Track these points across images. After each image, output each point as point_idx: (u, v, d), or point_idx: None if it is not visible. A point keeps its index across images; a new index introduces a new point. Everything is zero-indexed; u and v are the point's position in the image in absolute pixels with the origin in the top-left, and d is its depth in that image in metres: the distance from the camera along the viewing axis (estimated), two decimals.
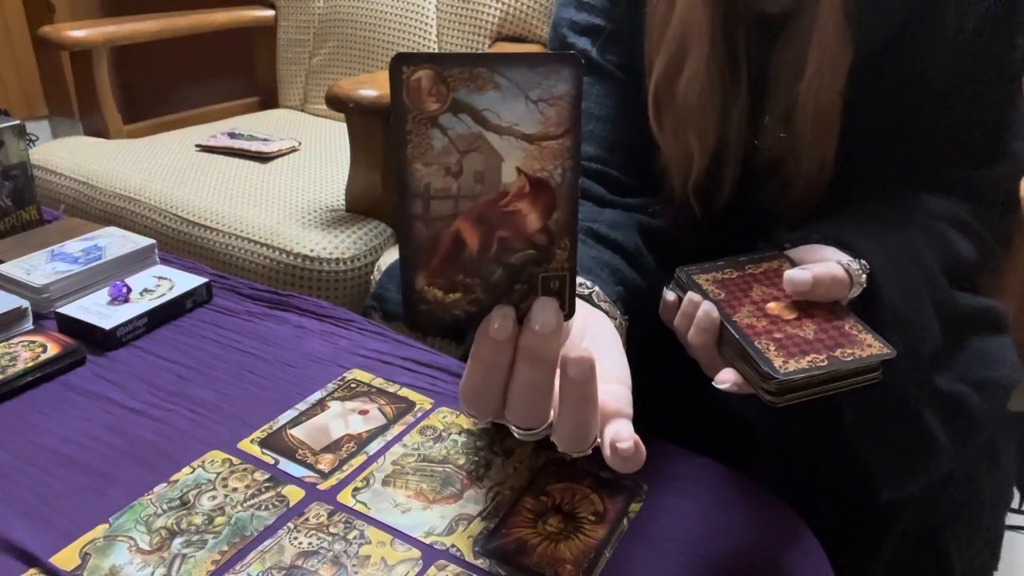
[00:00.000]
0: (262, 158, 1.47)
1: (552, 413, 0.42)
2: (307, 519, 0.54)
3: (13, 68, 2.49)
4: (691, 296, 0.55)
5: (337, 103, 1.19)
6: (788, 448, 0.64)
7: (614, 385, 0.43)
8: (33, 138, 2.46)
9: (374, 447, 0.61)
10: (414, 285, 0.38)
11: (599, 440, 0.42)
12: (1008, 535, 0.78)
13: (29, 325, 0.77)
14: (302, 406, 0.66)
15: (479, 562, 0.50)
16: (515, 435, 0.43)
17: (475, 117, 0.36)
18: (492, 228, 0.38)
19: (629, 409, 0.43)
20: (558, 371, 0.40)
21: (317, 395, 0.67)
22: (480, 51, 1.54)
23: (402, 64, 0.35)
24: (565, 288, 0.39)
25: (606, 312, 0.53)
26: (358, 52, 1.73)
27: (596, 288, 0.54)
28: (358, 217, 1.25)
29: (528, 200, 0.37)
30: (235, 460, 0.60)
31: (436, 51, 1.62)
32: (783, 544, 0.53)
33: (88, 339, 0.74)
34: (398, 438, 0.62)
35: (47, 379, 0.70)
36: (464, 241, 0.38)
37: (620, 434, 0.40)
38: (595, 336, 0.47)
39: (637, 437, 0.40)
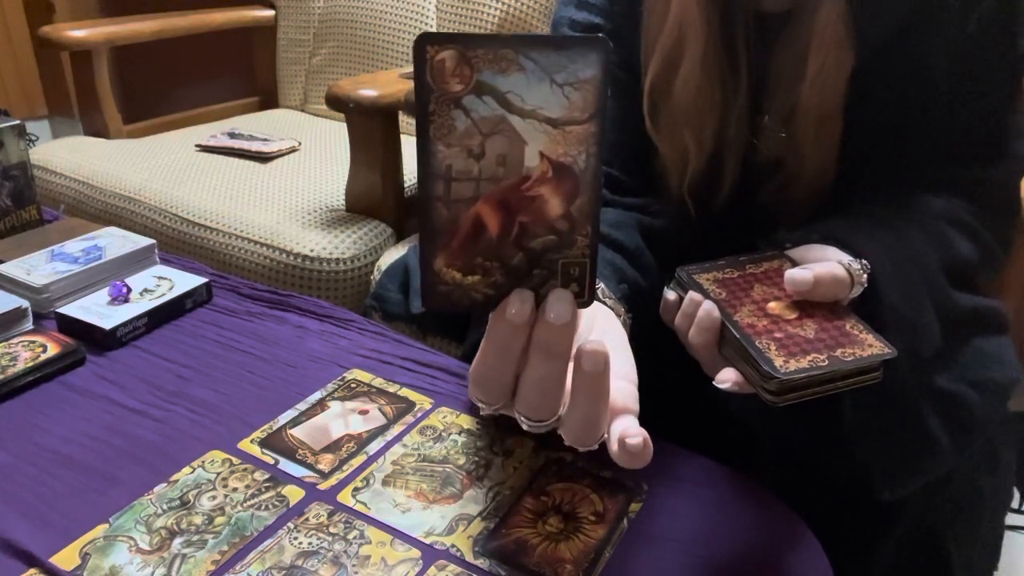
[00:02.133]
0: (262, 158, 1.47)
1: (561, 408, 0.42)
2: (307, 519, 0.54)
3: (13, 68, 2.49)
4: (692, 295, 0.55)
5: (337, 103, 1.18)
6: (788, 448, 0.64)
7: (621, 382, 0.43)
8: (33, 138, 2.46)
9: (374, 447, 0.61)
10: (432, 266, 0.38)
11: (606, 436, 0.41)
12: (1008, 535, 0.78)
13: (29, 325, 0.77)
14: (302, 406, 0.66)
15: (479, 562, 0.50)
16: (523, 427, 0.43)
17: (499, 99, 0.35)
18: (513, 212, 0.37)
19: (636, 406, 0.42)
20: (571, 363, 0.40)
21: (317, 395, 0.67)
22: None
23: (426, 44, 0.34)
24: (585, 275, 0.39)
25: (611, 309, 0.53)
26: (358, 52, 1.73)
27: (601, 285, 0.54)
28: (358, 217, 1.25)
29: (551, 185, 0.37)
30: (235, 460, 0.60)
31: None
32: (783, 544, 0.53)
33: (88, 339, 0.74)
34: (398, 438, 0.62)
35: (47, 379, 0.70)
36: (484, 224, 0.37)
37: (629, 430, 0.40)
38: (603, 331, 0.47)
39: (645, 433, 0.40)
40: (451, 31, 1.60)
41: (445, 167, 0.36)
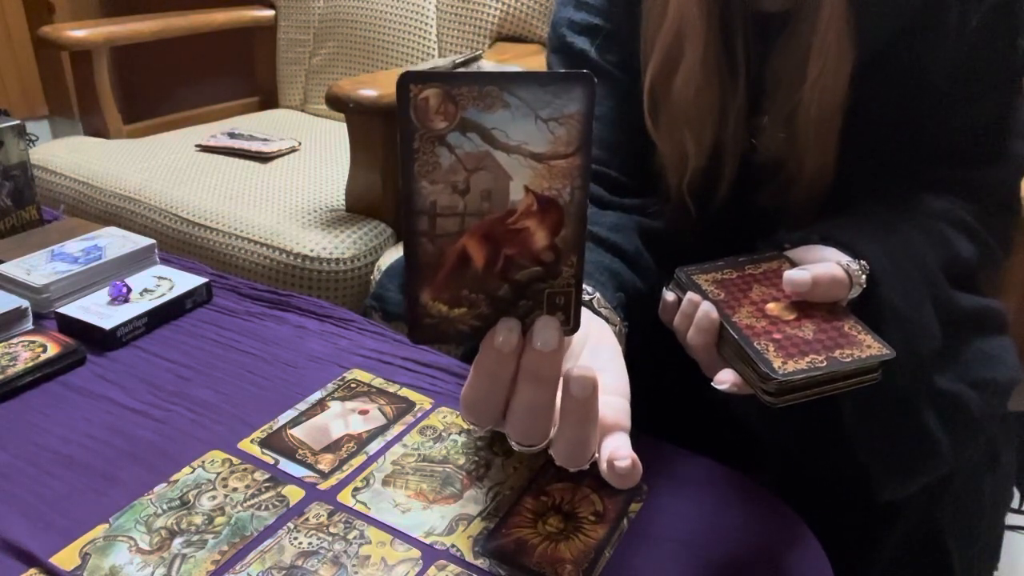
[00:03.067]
0: (262, 158, 1.47)
1: (552, 429, 0.42)
2: (307, 519, 0.54)
3: (13, 68, 2.49)
4: (691, 296, 0.55)
5: (337, 103, 1.19)
6: (788, 448, 0.64)
7: (613, 397, 0.43)
8: (33, 138, 2.46)
9: (374, 447, 0.61)
10: (419, 300, 0.38)
11: (596, 454, 0.42)
12: (1008, 535, 0.78)
13: (29, 325, 0.77)
14: (302, 406, 0.66)
15: (479, 562, 0.50)
16: (514, 448, 0.43)
17: (483, 136, 0.35)
18: (499, 245, 0.37)
19: (627, 422, 0.43)
20: (559, 388, 0.40)
21: (317, 395, 0.68)
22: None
23: (410, 83, 0.34)
24: (571, 304, 0.39)
25: (606, 319, 0.53)
26: (358, 52, 1.73)
27: (597, 294, 0.54)
28: (358, 217, 1.25)
29: (536, 218, 0.37)
30: (235, 460, 0.60)
31: (437, 52, 1.62)
32: (783, 544, 0.53)
33: (88, 339, 0.74)
34: (398, 438, 0.62)
35: (47, 379, 0.70)
36: (470, 258, 0.38)
37: (618, 451, 0.40)
38: (596, 346, 0.47)
39: (635, 455, 0.40)
40: (449, 42, 1.60)
41: (430, 203, 0.36)
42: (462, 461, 0.59)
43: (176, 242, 1.27)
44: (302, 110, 1.85)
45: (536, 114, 0.35)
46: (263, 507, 0.55)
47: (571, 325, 0.40)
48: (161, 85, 2.40)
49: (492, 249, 0.37)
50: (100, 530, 0.53)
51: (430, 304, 0.38)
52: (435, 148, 0.35)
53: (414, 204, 0.36)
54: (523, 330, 0.39)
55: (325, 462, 0.59)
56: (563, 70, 0.35)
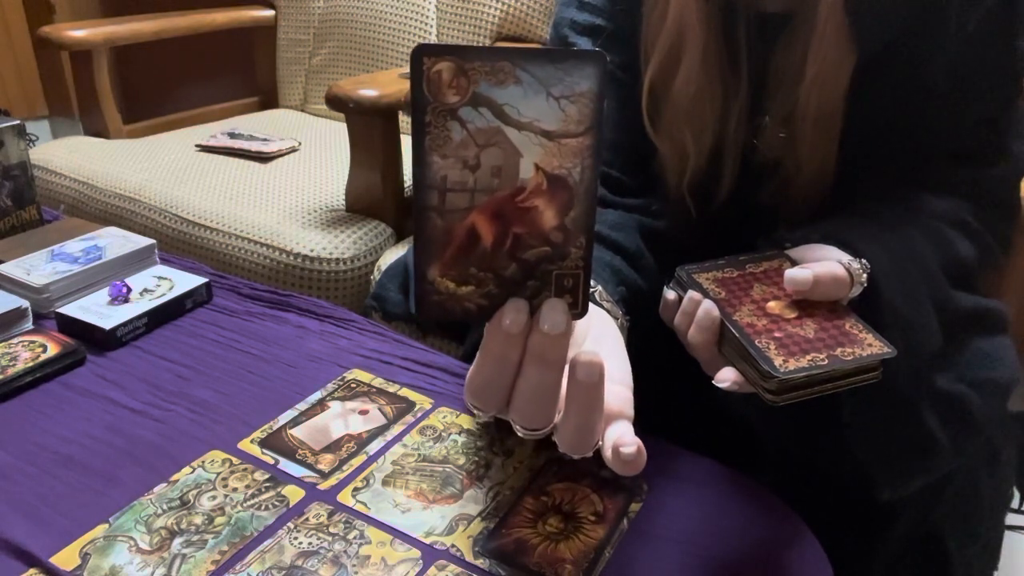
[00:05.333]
0: (262, 158, 1.47)
1: (556, 415, 0.42)
2: (307, 519, 0.54)
3: (13, 68, 2.49)
4: (692, 295, 0.55)
5: (337, 103, 1.19)
6: (788, 448, 0.64)
7: (616, 386, 0.43)
8: (33, 138, 2.46)
9: (374, 447, 0.61)
10: (426, 276, 0.38)
11: (600, 442, 0.42)
12: (1008, 535, 0.77)
13: (29, 325, 0.77)
14: (302, 406, 0.66)
15: (479, 562, 0.50)
16: (518, 433, 0.43)
17: (495, 111, 0.35)
18: (508, 223, 0.37)
19: (630, 411, 0.43)
20: (565, 373, 0.40)
21: (317, 395, 0.67)
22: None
23: (423, 55, 0.34)
24: (579, 286, 0.39)
25: (608, 312, 0.53)
26: (358, 52, 1.73)
27: (599, 287, 0.54)
28: (358, 217, 1.25)
29: (545, 197, 0.37)
30: (235, 460, 0.60)
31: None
32: (783, 544, 0.53)
33: (88, 339, 0.74)
34: (398, 438, 0.62)
35: (47, 379, 0.70)
36: (479, 235, 0.37)
37: (623, 438, 0.40)
38: (599, 336, 0.47)
39: (639, 441, 0.40)
40: (449, 41, 1.60)
41: (440, 178, 0.36)
42: (462, 461, 0.59)
43: (176, 242, 1.27)
44: (302, 110, 1.85)
45: (547, 91, 0.35)
46: (263, 507, 0.55)
47: (579, 308, 0.40)
48: (161, 85, 2.40)
49: (501, 227, 0.37)
50: (100, 530, 0.53)
51: (438, 280, 0.38)
52: (447, 122, 0.35)
53: (424, 178, 0.36)
54: (531, 312, 0.39)
55: (325, 462, 0.59)
56: (575, 48, 0.35)
